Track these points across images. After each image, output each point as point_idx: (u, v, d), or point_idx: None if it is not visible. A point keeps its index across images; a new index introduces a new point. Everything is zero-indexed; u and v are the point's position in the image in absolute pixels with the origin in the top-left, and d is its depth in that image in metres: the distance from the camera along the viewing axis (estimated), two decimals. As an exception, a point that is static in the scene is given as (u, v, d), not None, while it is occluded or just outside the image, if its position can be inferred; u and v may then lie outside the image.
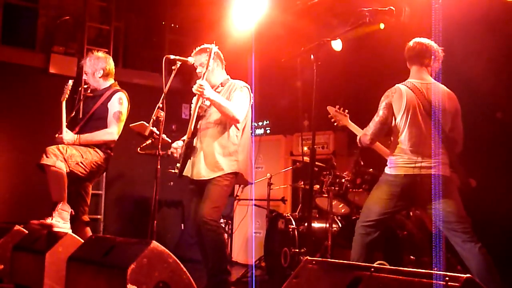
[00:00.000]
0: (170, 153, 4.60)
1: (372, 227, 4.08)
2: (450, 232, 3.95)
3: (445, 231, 3.97)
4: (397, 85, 4.15)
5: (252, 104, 4.63)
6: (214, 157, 4.43)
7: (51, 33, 7.63)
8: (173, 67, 4.40)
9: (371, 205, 4.17)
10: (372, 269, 2.12)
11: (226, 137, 4.48)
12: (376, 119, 4.15)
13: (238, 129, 4.51)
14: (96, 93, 5.10)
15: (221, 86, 4.66)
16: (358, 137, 4.40)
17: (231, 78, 4.73)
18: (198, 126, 4.56)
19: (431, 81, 4.16)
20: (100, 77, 5.04)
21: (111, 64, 5.11)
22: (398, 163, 4.05)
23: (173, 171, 4.55)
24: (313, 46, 3.73)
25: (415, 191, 3.99)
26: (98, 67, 5.04)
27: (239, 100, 4.49)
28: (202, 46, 4.65)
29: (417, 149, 4.00)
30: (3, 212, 6.67)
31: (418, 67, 4.19)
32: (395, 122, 4.09)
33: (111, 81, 5.09)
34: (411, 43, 4.23)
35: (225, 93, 4.57)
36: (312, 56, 3.71)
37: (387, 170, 4.15)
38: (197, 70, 4.62)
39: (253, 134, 4.91)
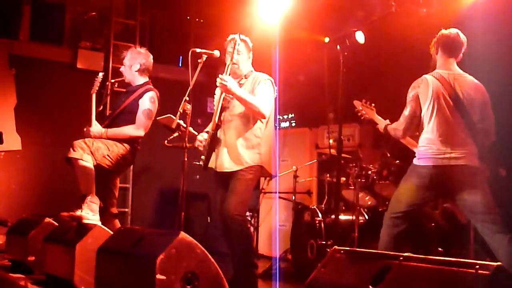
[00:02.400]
0: (196, 146, 4.62)
1: (401, 219, 4.06)
2: (479, 223, 3.92)
3: (474, 222, 3.95)
4: (424, 75, 4.12)
5: (276, 97, 4.61)
6: (236, 149, 4.43)
7: (78, 28, 7.73)
8: (199, 61, 4.41)
9: (400, 196, 4.15)
10: (401, 258, 2.12)
11: (249, 129, 4.46)
12: (406, 113, 4.15)
13: (262, 122, 4.49)
14: (129, 88, 5.16)
15: (245, 78, 4.64)
16: (383, 127, 4.39)
17: (255, 70, 4.72)
18: (222, 118, 4.54)
19: (459, 72, 4.13)
20: (136, 71, 5.11)
21: (149, 61, 5.17)
22: (426, 154, 4.02)
23: (198, 163, 4.57)
24: (339, 36, 3.73)
25: (444, 182, 3.96)
26: (137, 61, 5.11)
27: (264, 94, 4.47)
28: (242, 37, 4.60)
29: (445, 139, 3.97)
30: (33, 206, 6.78)
31: (448, 57, 4.16)
32: (421, 114, 4.07)
33: (145, 78, 5.14)
34: (447, 32, 4.18)
35: (248, 86, 4.56)
36: (338, 47, 3.70)
37: (415, 162, 4.12)
38: (234, 56, 4.54)
39: (277, 127, 4.91)
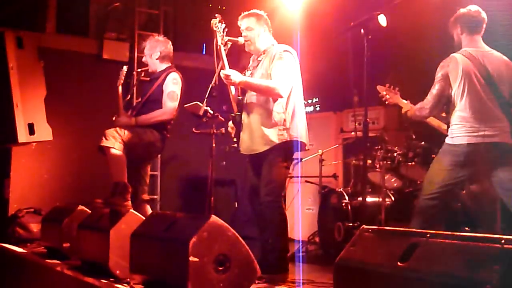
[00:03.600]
0: (230, 130, 4.64)
1: (436, 200, 4.04)
2: (511, 200, 3.92)
3: (505, 199, 3.94)
4: (452, 54, 4.10)
5: (297, 66, 4.47)
6: (260, 129, 4.34)
7: (103, 20, 7.82)
8: (224, 48, 4.45)
9: (433, 177, 4.14)
10: (428, 235, 2.18)
11: (270, 107, 4.35)
12: (434, 91, 4.12)
13: (282, 97, 4.33)
14: (152, 76, 5.27)
15: (263, 53, 4.55)
16: (412, 110, 4.38)
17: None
18: (244, 101, 4.51)
19: (487, 49, 4.11)
20: (156, 59, 5.19)
21: (169, 48, 5.26)
22: (460, 132, 4.00)
23: (234, 146, 4.58)
24: (363, 20, 3.73)
25: (478, 160, 3.94)
26: (156, 49, 5.20)
27: (279, 71, 4.31)
28: (251, 11, 4.59)
29: (479, 117, 3.95)
30: (65, 194, 6.92)
31: (473, 35, 4.14)
32: (453, 92, 4.05)
33: (168, 64, 5.23)
34: (465, 10, 4.17)
35: (266, 62, 4.46)
36: (362, 31, 3.72)
37: (448, 140, 4.10)
38: (243, 34, 4.54)
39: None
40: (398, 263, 2.15)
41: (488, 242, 1.96)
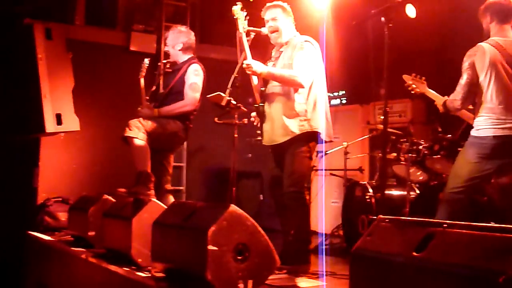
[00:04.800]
0: (252, 120, 4.64)
1: (461, 194, 3.99)
2: None
3: None
4: (479, 43, 4.03)
5: (319, 57, 4.45)
6: (282, 120, 4.34)
7: (130, 12, 7.87)
8: (247, 38, 4.46)
9: (458, 170, 4.08)
10: (445, 225, 2.15)
11: (291, 97, 4.34)
12: (462, 81, 4.05)
13: (304, 87, 4.33)
14: (175, 67, 5.30)
15: (285, 45, 4.54)
16: (441, 103, 4.31)
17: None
18: (266, 91, 4.51)
19: None
20: (179, 50, 5.23)
21: (191, 39, 5.29)
22: (486, 124, 3.94)
23: (258, 139, 4.59)
24: (384, 8, 3.69)
25: (505, 152, 3.87)
26: (179, 40, 5.24)
27: (300, 62, 4.32)
28: (276, 2, 4.59)
29: (506, 107, 3.88)
30: (92, 184, 7.01)
31: (502, 24, 4.06)
32: (478, 82, 3.98)
33: (190, 55, 5.25)
34: None
35: (288, 53, 4.45)
36: (382, 19, 3.67)
37: (474, 133, 4.03)
38: (267, 25, 4.54)
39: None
40: (414, 253, 2.13)
41: (505, 233, 1.93)
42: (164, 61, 5.55)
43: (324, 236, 6.31)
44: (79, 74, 6.29)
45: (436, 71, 5.29)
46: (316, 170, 7.32)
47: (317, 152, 5.74)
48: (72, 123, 5.98)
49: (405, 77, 4.70)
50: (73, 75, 6.18)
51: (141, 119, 4.85)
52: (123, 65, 7.34)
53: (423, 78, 4.64)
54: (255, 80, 4.49)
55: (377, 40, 4.13)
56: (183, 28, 5.35)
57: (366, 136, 7.01)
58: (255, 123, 4.60)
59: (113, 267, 3.97)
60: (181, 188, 7.87)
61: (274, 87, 4.45)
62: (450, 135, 5.37)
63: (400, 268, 2.17)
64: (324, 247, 6.08)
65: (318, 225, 7.48)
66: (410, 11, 5.31)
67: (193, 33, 5.34)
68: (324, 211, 7.34)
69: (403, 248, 2.20)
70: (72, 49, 6.32)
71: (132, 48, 7.64)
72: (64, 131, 6.01)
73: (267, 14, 4.55)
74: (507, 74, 3.89)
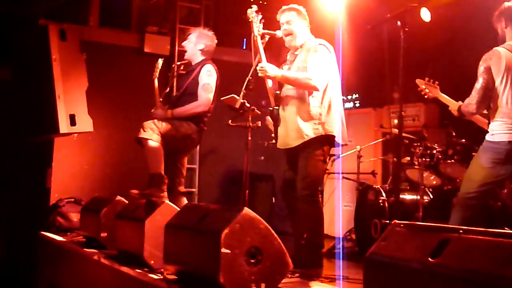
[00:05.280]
0: (267, 123, 4.62)
1: (474, 199, 3.96)
2: None
3: None
4: (495, 48, 4.00)
5: (333, 60, 4.41)
6: (296, 123, 4.30)
7: (145, 14, 7.91)
8: (261, 41, 4.45)
9: (472, 175, 4.04)
10: (461, 231, 2.13)
11: (306, 100, 4.30)
12: (478, 86, 4.01)
13: (318, 90, 4.28)
14: (189, 69, 5.30)
15: (300, 48, 4.50)
16: (455, 107, 4.29)
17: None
18: (281, 94, 4.47)
19: None
20: (199, 50, 5.23)
21: (213, 46, 5.32)
22: (501, 129, 3.91)
23: (272, 142, 4.57)
24: (400, 12, 3.68)
25: None
26: (202, 41, 5.25)
27: (314, 65, 4.28)
28: (291, 5, 4.56)
29: None
30: (105, 185, 7.03)
31: None
32: (494, 86, 3.95)
33: (206, 57, 5.26)
34: (510, 3, 4.04)
35: (302, 56, 4.42)
36: (398, 23, 3.66)
37: (488, 137, 4.01)
38: (282, 28, 4.51)
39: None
40: (429, 259, 2.11)
41: (522, 239, 1.91)
42: (178, 63, 5.55)
43: (341, 240, 6.28)
44: (93, 75, 6.30)
45: (449, 75, 5.24)
46: (329, 173, 7.31)
47: (330, 155, 5.73)
48: (85, 124, 6.00)
49: (418, 81, 4.68)
50: (87, 76, 6.20)
51: (155, 120, 4.85)
52: (137, 66, 7.37)
53: (436, 82, 4.62)
54: (269, 83, 4.47)
55: (391, 43, 4.11)
56: (209, 33, 5.35)
57: (379, 140, 6.97)
58: (271, 127, 4.58)
59: (125, 269, 3.97)
60: (193, 190, 7.88)
61: (288, 90, 4.43)
62: (464, 140, 5.34)
63: (415, 274, 2.15)
64: (337, 250, 6.04)
65: (331, 229, 7.47)
66: (425, 15, 5.29)
67: (216, 41, 5.35)
68: (336, 214, 7.32)
69: (418, 253, 2.18)
70: (86, 50, 6.34)
71: (146, 50, 7.66)
72: (78, 132, 6.03)
73: (282, 17, 4.54)
74: None
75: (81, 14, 7.45)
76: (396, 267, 2.25)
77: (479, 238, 2.06)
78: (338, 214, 7.31)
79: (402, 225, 2.41)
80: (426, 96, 4.69)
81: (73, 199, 6.53)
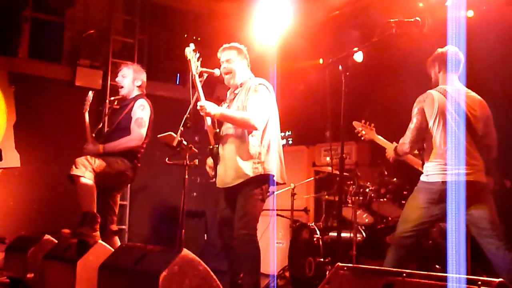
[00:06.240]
0: (207, 167, 4.60)
1: (410, 238, 4.04)
2: (484, 239, 3.91)
3: (478, 238, 3.94)
4: (428, 91, 4.14)
5: (273, 100, 4.44)
6: (235, 162, 4.28)
7: (76, 46, 7.79)
8: (199, 79, 4.43)
9: (408, 215, 4.12)
10: (404, 274, 2.16)
11: (245, 139, 4.29)
12: (412, 126, 4.12)
13: (257, 129, 4.28)
14: (122, 103, 5.22)
15: (240, 86, 4.52)
16: (390, 148, 4.39)
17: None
18: (221, 133, 4.45)
19: (462, 88, 4.15)
20: (137, 86, 5.16)
21: (146, 81, 5.26)
22: (435, 170, 4.01)
23: (213, 180, 4.52)
24: (342, 56, 3.75)
25: (452, 197, 3.91)
26: (140, 77, 5.18)
27: (254, 104, 4.29)
28: (232, 44, 4.59)
29: (453, 154, 3.94)
30: (31, 223, 6.78)
31: (449, 73, 4.16)
32: (428, 128, 4.07)
33: (140, 92, 5.20)
34: (443, 49, 4.21)
35: (242, 95, 4.43)
36: (340, 67, 3.73)
37: (423, 178, 4.10)
38: (222, 66, 4.51)
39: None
40: (374, 303, 2.12)
41: (465, 284, 1.94)
42: (112, 98, 5.45)
43: (271, 278, 6.25)
44: (21, 108, 6.13)
45: (383, 117, 5.39)
46: (263, 210, 7.28)
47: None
48: (12, 159, 5.82)
49: (355, 123, 4.79)
50: (15, 110, 6.01)
51: (88, 157, 4.71)
52: (67, 100, 7.20)
53: (372, 124, 4.74)
54: (208, 121, 4.45)
55: (328, 84, 4.18)
56: (140, 68, 5.29)
57: (311, 178, 7.05)
58: (210, 173, 4.55)
59: (54, 313, 3.81)
60: (123, 227, 7.70)
61: (228, 129, 4.42)
62: (395, 179, 5.47)
63: (360, 318, 2.15)
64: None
65: (263, 266, 7.43)
66: (358, 57, 5.45)
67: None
68: (269, 251, 7.29)
69: (363, 297, 2.19)
70: (15, 82, 6.17)
71: (77, 84, 7.52)
72: (4, 167, 5.80)
73: (223, 56, 4.55)
74: (454, 122, 3.99)
75: (10, 45, 7.24)
76: (341, 311, 2.24)
77: (422, 281, 2.08)
78: (272, 251, 7.29)
79: (345, 268, 2.42)
80: (362, 138, 4.79)
81: (-4, 237, 6.25)
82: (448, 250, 4.78)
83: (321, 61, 7.06)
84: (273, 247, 7.29)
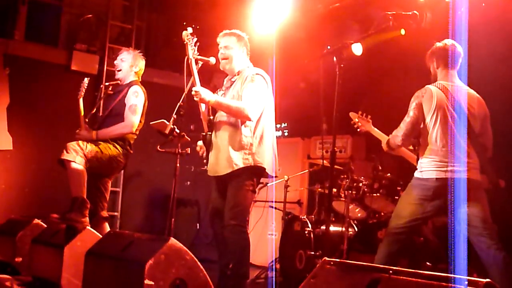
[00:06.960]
0: (198, 149, 4.55)
1: (402, 234, 4.04)
2: (476, 238, 3.89)
3: (470, 236, 3.92)
4: (427, 86, 4.10)
5: (269, 91, 4.40)
6: (227, 151, 4.24)
7: (74, 30, 7.72)
8: (195, 65, 4.38)
9: (401, 211, 4.11)
10: (391, 271, 2.13)
11: (238, 129, 4.26)
12: (407, 119, 4.10)
13: (251, 119, 4.24)
14: (116, 89, 5.17)
15: (237, 75, 4.47)
16: (385, 141, 4.36)
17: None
18: (214, 120, 4.42)
19: (460, 84, 4.11)
20: (134, 73, 5.12)
21: (143, 69, 5.22)
22: (430, 166, 3.99)
23: (204, 168, 4.48)
24: (336, 48, 3.71)
25: (444, 194, 3.91)
26: (139, 64, 5.14)
27: (249, 94, 4.24)
28: (233, 30, 4.54)
29: (448, 151, 3.93)
30: (22, 206, 6.74)
31: (448, 69, 4.13)
32: (424, 123, 4.04)
33: (136, 79, 5.16)
34: (441, 44, 4.17)
35: (238, 84, 4.39)
36: (334, 58, 3.69)
37: (417, 174, 4.08)
38: (220, 52, 4.47)
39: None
40: (359, 299, 2.09)
41: (452, 283, 1.91)
42: (107, 83, 5.40)
43: (263, 269, 6.23)
44: (16, 91, 6.07)
45: (379, 109, 5.35)
46: (255, 201, 7.27)
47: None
48: (4, 141, 5.78)
49: (352, 114, 4.76)
50: (9, 92, 5.95)
51: (80, 142, 4.67)
52: (63, 84, 7.14)
53: (369, 116, 4.71)
54: (203, 107, 4.41)
55: (324, 75, 4.14)
56: (140, 55, 5.24)
57: (306, 171, 7.02)
58: (200, 154, 4.51)
59: (40, 298, 3.79)
60: (115, 214, 7.67)
61: (222, 116, 4.37)
62: (389, 174, 5.44)
63: (344, 314, 2.12)
64: (261, 280, 6.00)
65: (254, 257, 7.42)
66: (357, 49, 5.40)
67: None
68: (261, 243, 7.28)
69: (349, 293, 2.16)
70: (10, 64, 6.11)
71: (73, 68, 7.45)
72: (-4, 149, 5.77)
73: (222, 41, 4.50)
74: (451, 118, 3.96)
75: (6, 27, 7.18)
76: (326, 306, 2.22)
77: (409, 279, 2.06)
78: (261, 242, 7.27)
79: (332, 263, 2.39)
80: (358, 130, 4.76)
81: (-15, 221, 6.20)
82: (442, 249, 4.80)
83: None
84: (267, 239, 7.28)
